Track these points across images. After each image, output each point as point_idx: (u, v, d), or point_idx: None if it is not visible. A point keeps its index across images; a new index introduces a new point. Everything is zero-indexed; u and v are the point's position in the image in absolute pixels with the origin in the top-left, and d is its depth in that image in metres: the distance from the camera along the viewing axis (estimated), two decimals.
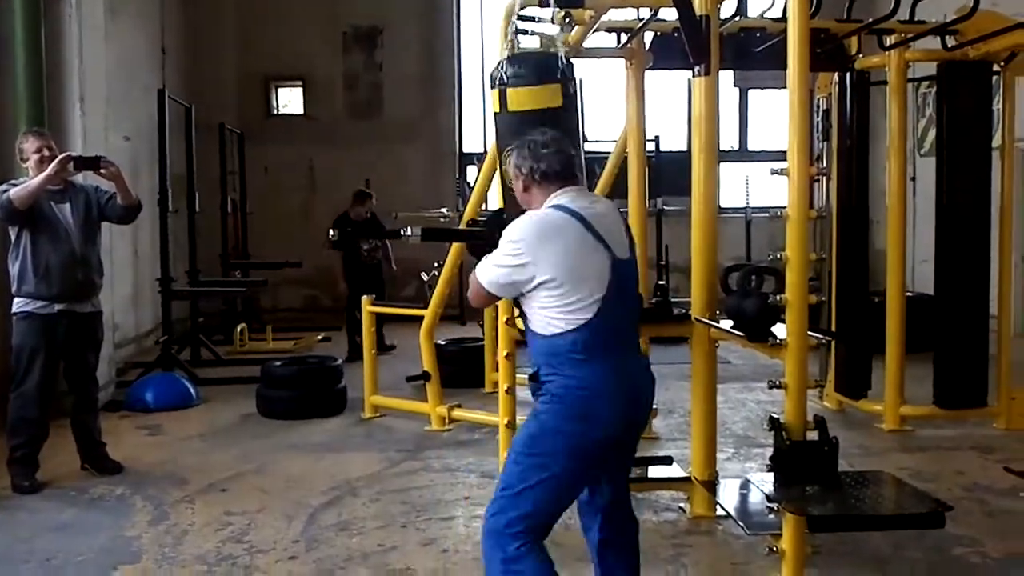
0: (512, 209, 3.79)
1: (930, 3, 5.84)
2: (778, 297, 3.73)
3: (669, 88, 11.91)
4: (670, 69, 6.19)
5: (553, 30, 5.20)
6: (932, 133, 10.03)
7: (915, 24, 5.74)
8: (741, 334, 3.91)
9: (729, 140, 13.46)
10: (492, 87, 4.16)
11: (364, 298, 6.95)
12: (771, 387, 3.75)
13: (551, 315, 3.05)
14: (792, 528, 3.49)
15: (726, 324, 4.20)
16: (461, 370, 7.68)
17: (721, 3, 4.51)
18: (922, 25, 5.72)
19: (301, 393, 6.92)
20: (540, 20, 5.28)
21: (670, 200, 10.84)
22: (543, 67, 4.04)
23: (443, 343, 7.94)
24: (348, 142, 12.95)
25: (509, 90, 4.04)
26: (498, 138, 4.27)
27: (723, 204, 13.00)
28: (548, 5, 4.65)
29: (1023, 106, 6.35)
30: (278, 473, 5.55)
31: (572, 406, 3.04)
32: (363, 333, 7.02)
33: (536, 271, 3.00)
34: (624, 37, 5.70)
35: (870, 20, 5.58)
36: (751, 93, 13.34)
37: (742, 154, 13.33)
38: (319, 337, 10.72)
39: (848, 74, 6.49)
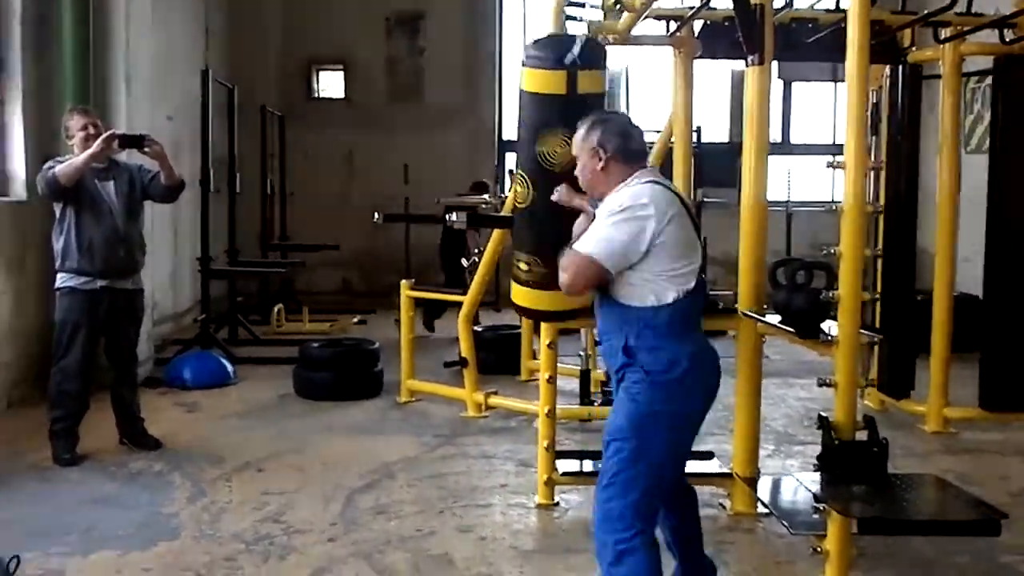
0: (544, 195, 3.79)
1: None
2: (830, 293, 3.66)
3: (710, 79, 11.79)
4: (719, 58, 6.14)
5: (599, 16, 5.17)
6: (979, 130, 9.88)
7: (972, 16, 5.60)
8: (791, 330, 3.84)
9: (773, 133, 13.26)
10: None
11: (403, 282, 6.93)
12: (820, 385, 3.68)
13: (657, 285, 3.06)
14: (838, 529, 3.41)
15: (774, 319, 4.13)
16: (497, 357, 7.65)
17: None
18: (980, 18, 5.59)
19: (338, 375, 6.93)
20: (590, 6, 5.23)
21: (710, 192, 10.73)
22: (554, 53, 4.00)
23: (480, 330, 7.92)
24: (388, 127, 12.92)
25: (523, 68, 4.07)
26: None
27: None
28: None
29: None
30: (315, 454, 5.55)
31: (669, 383, 3.07)
32: (402, 317, 6.98)
33: (659, 231, 3.00)
34: (673, 25, 5.64)
35: (926, 12, 5.46)
36: (795, 85, 13.16)
37: (784, 147, 13.16)
38: (355, 320, 10.73)
39: (900, 67, 6.35)
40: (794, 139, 13.35)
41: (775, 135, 13.15)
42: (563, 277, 3.12)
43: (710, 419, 6.15)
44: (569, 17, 5.38)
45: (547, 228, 3.94)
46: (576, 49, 3.91)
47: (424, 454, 5.57)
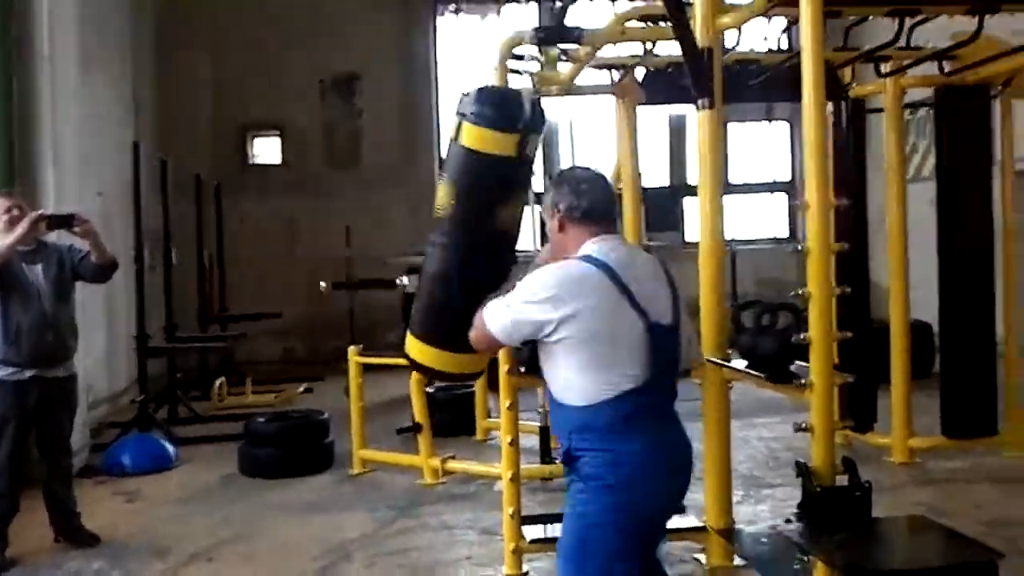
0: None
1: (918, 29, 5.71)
2: (801, 336, 3.52)
3: (646, 122, 11.83)
4: (662, 104, 6.10)
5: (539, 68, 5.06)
6: (915, 159, 9.98)
7: (912, 51, 5.58)
8: (761, 375, 3.69)
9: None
10: (456, 112, 3.93)
11: (351, 349, 6.67)
12: (797, 430, 3.53)
13: (583, 382, 2.77)
14: None
15: (740, 363, 3.99)
16: (452, 418, 7.41)
17: (723, 35, 4.35)
18: (920, 51, 5.59)
19: (286, 450, 6.61)
20: (531, 58, 5.13)
21: (654, 236, 10.69)
22: (506, 113, 3.77)
23: (432, 390, 7.66)
24: (327, 191, 12.72)
25: (465, 123, 3.82)
26: (445, 163, 4.08)
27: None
28: (545, 43, 4.47)
29: (1021, 127, 6.21)
30: (266, 538, 5.24)
31: (612, 489, 2.78)
32: (351, 385, 6.71)
33: (562, 320, 2.72)
34: (616, 74, 5.57)
35: (868, 48, 5.47)
36: (729, 125, 13.27)
37: (726, 187, 13.20)
38: (301, 389, 10.39)
39: (843, 103, 6.34)
40: (731, 178, 13.41)
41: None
42: (471, 333, 3.03)
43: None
44: (511, 70, 5.30)
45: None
46: (528, 109, 3.74)
47: (381, 529, 5.29)
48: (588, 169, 3.04)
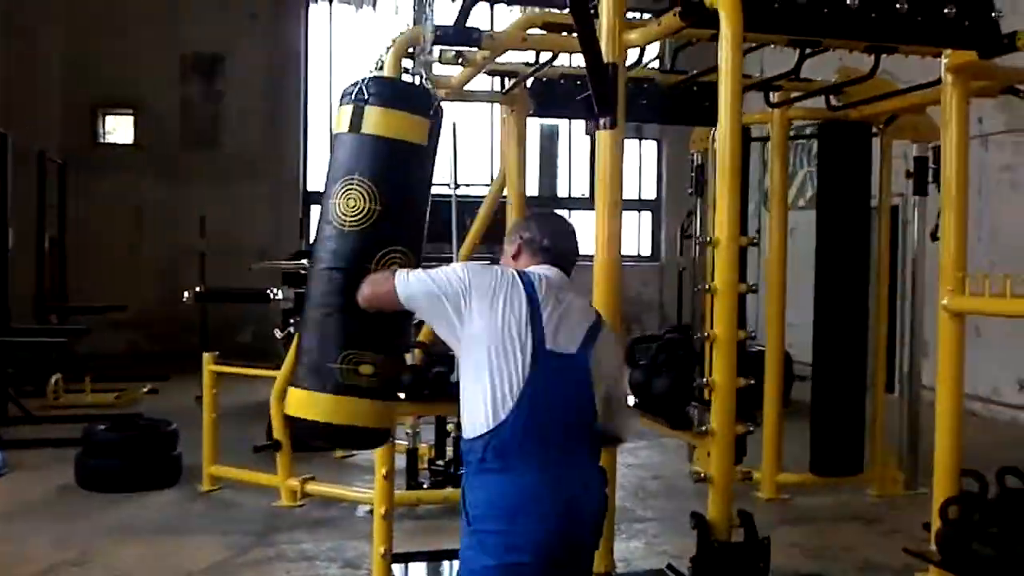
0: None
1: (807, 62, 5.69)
2: (704, 381, 3.35)
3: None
4: (552, 116, 5.90)
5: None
6: (792, 190, 10.15)
7: (803, 82, 5.55)
8: (661, 420, 3.51)
9: (580, 188, 13.33)
10: (344, 103, 3.30)
11: (206, 356, 6.19)
12: (697, 481, 3.37)
13: (473, 397, 2.61)
14: None
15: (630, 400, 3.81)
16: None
17: (627, 52, 4.16)
18: (810, 83, 5.55)
19: (130, 461, 6.08)
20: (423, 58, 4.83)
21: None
22: (416, 96, 3.35)
23: None
24: (183, 176, 12.06)
25: (369, 108, 3.19)
26: (335, 162, 3.27)
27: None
28: (442, 43, 4.17)
29: (899, 166, 6.29)
30: (106, 564, 4.76)
31: (489, 531, 2.56)
32: (204, 395, 6.22)
33: (467, 309, 2.63)
34: (508, 82, 5.33)
35: (765, 77, 5.41)
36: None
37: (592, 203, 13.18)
38: (145, 389, 9.74)
39: None
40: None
41: (583, 190, 13.21)
42: (363, 287, 2.90)
43: None
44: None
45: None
46: (369, 82, 3.29)
47: (234, 559, 4.87)
48: (563, 219, 3.08)
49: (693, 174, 7.02)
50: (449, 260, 4.44)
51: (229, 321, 10.80)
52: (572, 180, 13.41)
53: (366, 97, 3.21)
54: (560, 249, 2.89)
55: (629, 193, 13.43)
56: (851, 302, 6.04)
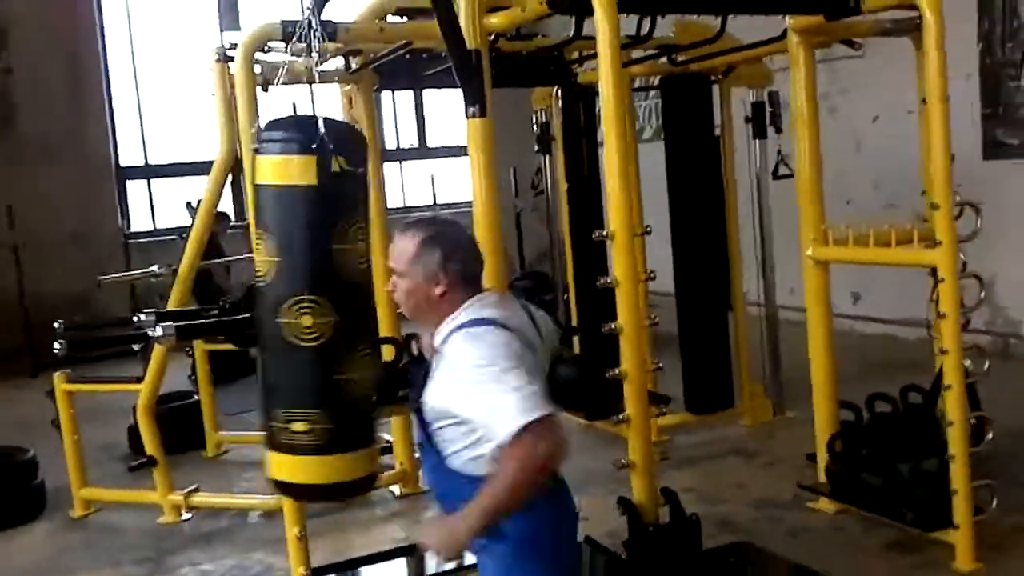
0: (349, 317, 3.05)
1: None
2: (616, 371, 3.41)
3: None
4: (398, 89, 5.79)
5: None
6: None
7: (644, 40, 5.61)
8: (579, 412, 3.56)
9: (409, 139, 13.15)
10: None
11: (57, 376, 5.75)
12: (620, 468, 3.45)
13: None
14: None
15: None
16: (177, 434, 6.70)
17: (493, 37, 4.09)
18: (652, 41, 5.62)
19: None
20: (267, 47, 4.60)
21: None
22: (293, 132, 3.09)
23: None
24: None
25: (257, 157, 3.12)
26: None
27: (410, 203, 12.90)
28: (294, 40, 3.95)
29: (738, 112, 6.51)
30: None
31: (538, 547, 2.53)
32: (61, 417, 5.81)
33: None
34: (354, 63, 5.17)
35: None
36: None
37: (422, 151, 13.06)
38: None
39: (571, 88, 6.35)
40: (431, 143, 13.26)
41: (412, 141, 13.05)
42: (517, 472, 2.29)
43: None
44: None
45: (342, 365, 3.01)
46: (322, 127, 3.15)
47: None
48: (457, 224, 2.67)
49: (538, 132, 7.06)
50: None
51: (53, 310, 10.12)
52: (399, 133, 13.19)
53: (256, 146, 3.12)
54: (480, 261, 2.66)
55: (457, 139, 13.38)
56: (703, 239, 6.21)
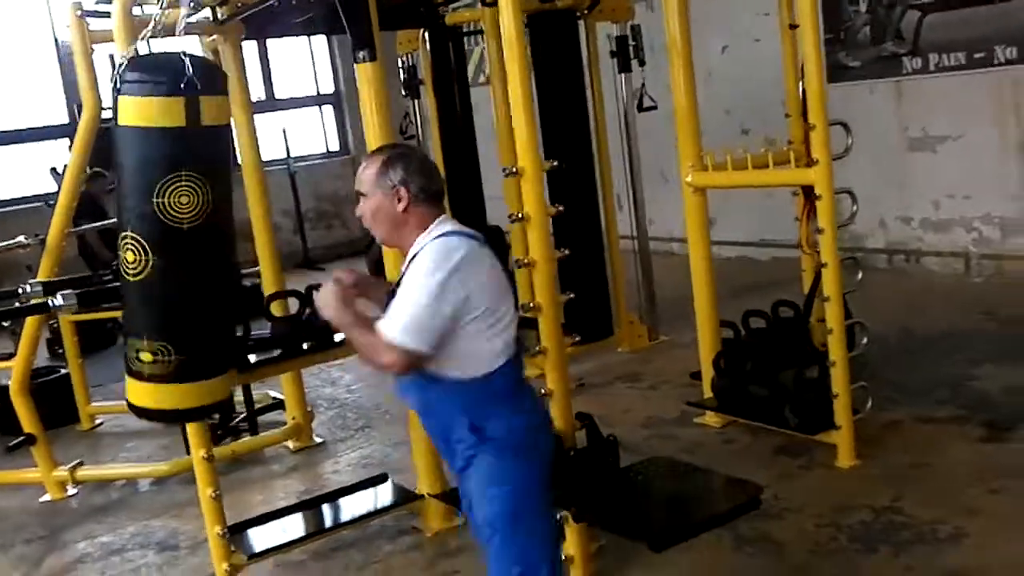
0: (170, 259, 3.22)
1: None
2: (530, 304, 3.48)
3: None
4: (266, 38, 5.63)
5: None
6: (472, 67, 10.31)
7: None
8: None
9: (256, 92, 12.72)
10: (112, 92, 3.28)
11: None
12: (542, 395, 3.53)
13: (483, 351, 2.64)
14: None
15: None
16: (48, 408, 6.38)
17: None
18: None
19: None
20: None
21: None
22: (161, 73, 3.16)
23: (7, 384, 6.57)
24: None
25: (121, 98, 3.19)
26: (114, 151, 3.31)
27: (264, 157, 12.46)
28: None
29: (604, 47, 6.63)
30: None
31: (531, 444, 2.78)
32: None
33: (475, 302, 2.58)
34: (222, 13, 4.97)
35: None
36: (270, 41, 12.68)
37: (269, 103, 12.67)
38: None
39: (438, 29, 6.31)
40: (279, 94, 12.89)
41: (259, 94, 12.65)
42: (371, 359, 2.61)
43: (324, 422, 5.93)
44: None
45: (176, 302, 3.27)
46: (190, 69, 3.15)
47: (32, 573, 4.47)
48: (412, 147, 2.89)
49: (405, 76, 6.99)
50: None
51: None
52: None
53: (118, 87, 3.15)
54: (439, 181, 2.78)
55: (308, 90, 13.07)
56: (579, 176, 6.33)
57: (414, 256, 2.65)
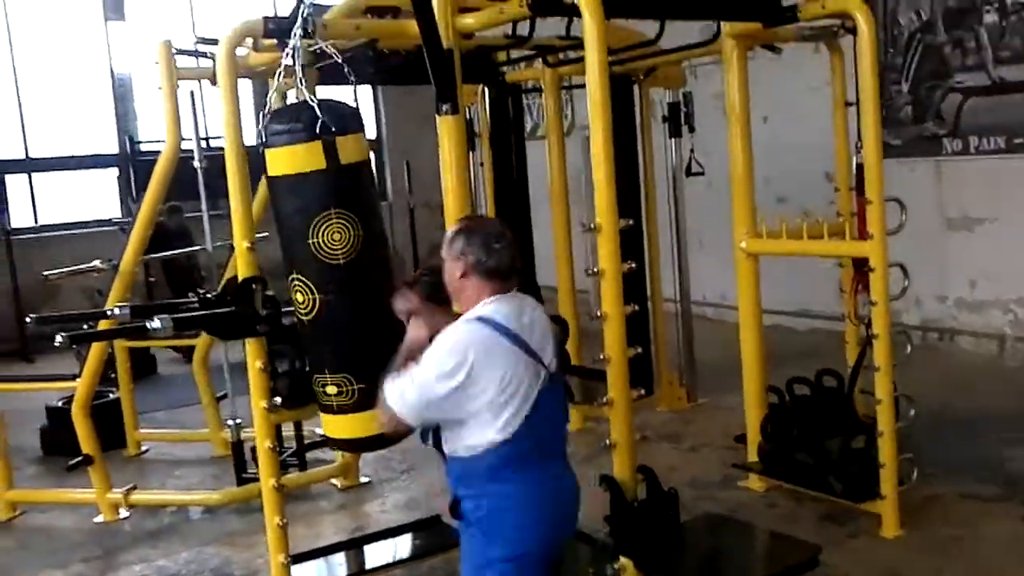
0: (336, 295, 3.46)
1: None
2: (601, 356, 3.63)
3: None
4: (334, 84, 5.83)
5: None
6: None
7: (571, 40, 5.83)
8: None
9: None
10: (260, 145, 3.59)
11: None
12: (606, 446, 3.67)
13: (474, 438, 2.78)
14: None
15: None
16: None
17: (470, 38, 4.23)
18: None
19: None
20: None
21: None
22: (297, 121, 3.44)
23: (60, 404, 6.74)
24: None
25: (267, 151, 3.47)
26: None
27: None
28: (275, 36, 3.99)
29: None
30: None
31: (495, 528, 2.82)
32: None
33: (481, 395, 2.71)
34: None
35: (544, 41, 5.59)
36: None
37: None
38: None
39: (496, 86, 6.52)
40: None
41: None
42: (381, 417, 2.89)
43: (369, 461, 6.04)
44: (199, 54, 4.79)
45: (350, 336, 3.51)
46: (265, 122, 3.37)
47: None
48: (498, 223, 3.06)
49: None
50: None
51: None
52: None
53: (265, 139, 3.43)
54: (506, 264, 2.90)
55: None
56: (629, 237, 6.46)
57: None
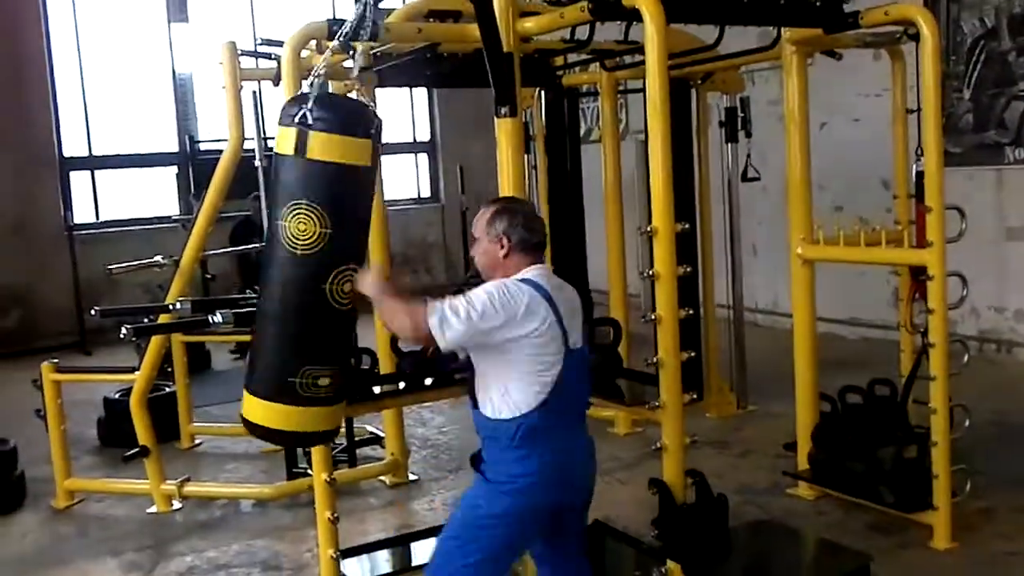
0: None
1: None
2: (653, 359, 3.63)
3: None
4: (393, 87, 5.88)
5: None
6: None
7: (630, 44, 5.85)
8: (615, 399, 3.76)
9: None
10: (284, 124, 3.31)
11: (45, 365, 5.72)
12: (655, 450, 3.67)
13: (506, 395, 2.97)
14: None
15: None
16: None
17: (529, 41, 4.25)
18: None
19: None
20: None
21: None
22: (357, 118, 3.42)
23: (118, 396, 6.88)
24: None
25: (313, 133, 3.24)
26: (279, 183, 3.33)
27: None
28: (342, 39, 4.05)
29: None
30: None
31: (507, 494, 3.00)
32: (47, 407, 5.75)
33: (518, 328, 2.90)
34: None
35: (602, 46, 5.60)
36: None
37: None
38: None
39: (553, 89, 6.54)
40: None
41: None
42: (397, 319, 3.01)
43: (418, 461, 6.08)
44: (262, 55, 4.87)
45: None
46: (311, 105, 3.30)
47: None
48: (524, 202, 3.37)
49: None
50: None
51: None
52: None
53: (310, 122, 3.23)
54: (541, 239, 3.14)
55: (404, 136, 13.45)
56: (684, 241, 6.45)
57: None
